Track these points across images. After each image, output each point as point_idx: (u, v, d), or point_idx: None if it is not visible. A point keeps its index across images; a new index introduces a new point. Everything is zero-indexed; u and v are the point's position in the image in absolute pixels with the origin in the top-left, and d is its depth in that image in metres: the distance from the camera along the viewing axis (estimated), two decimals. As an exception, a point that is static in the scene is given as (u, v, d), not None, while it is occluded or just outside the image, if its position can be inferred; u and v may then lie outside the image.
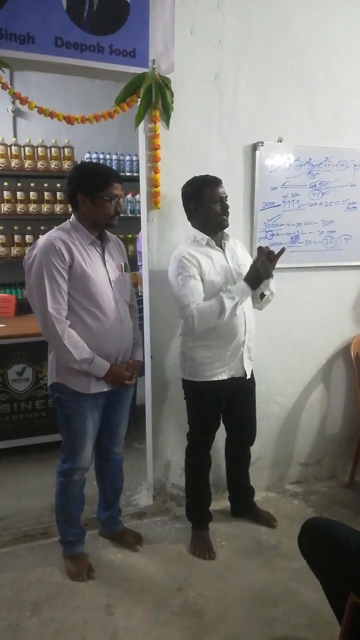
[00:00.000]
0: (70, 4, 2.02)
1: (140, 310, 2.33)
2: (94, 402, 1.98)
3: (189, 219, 2.16)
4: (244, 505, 2.53)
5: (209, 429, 2.27)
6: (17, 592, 2.00)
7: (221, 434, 2.38)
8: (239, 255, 2.18)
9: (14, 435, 3.04)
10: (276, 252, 2.00)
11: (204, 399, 2.19)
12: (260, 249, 2.01)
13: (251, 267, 2.02)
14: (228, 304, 1.97)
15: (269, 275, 2.01)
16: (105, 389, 1.98)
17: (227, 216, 2.10)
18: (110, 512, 2.31)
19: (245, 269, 2.09)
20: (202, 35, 2.28)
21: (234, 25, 2.33)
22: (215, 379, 2.13)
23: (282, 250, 2.02)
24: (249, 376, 2.22)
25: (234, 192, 2.33)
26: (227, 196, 2.09)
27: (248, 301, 2.13)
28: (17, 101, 2.12)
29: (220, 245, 2.15)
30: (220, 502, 2.58)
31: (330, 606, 1.52)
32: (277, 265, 2.04)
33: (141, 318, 2.31)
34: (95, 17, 2.06)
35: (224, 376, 2.14)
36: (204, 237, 2.10)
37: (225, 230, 2.15)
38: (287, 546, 2.27)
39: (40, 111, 2.07)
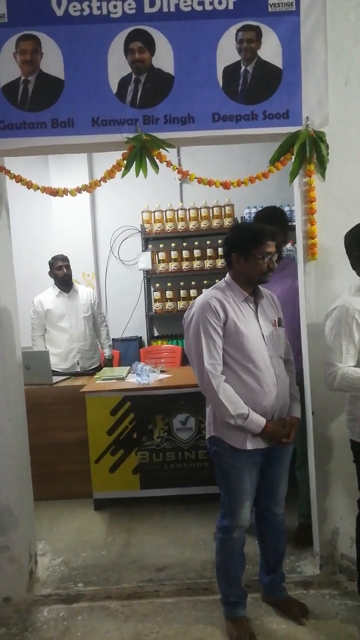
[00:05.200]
0: (225, 82, 2.20)
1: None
2: (251, 459, 1.96)
3: (353, 267, 2.06)
4: None
5: None
6: (179, 648, 2.02)
7: None
8: None
9: (179, 483, 3.15)
10: None
11: None
12: None
13: None
14: None
15: None
16: (263, 446, 1.95)
17: None
18: (273, 577, 2.20)
19: None
20: (357, 84, 2.25)
21: (391, 67, 2.25)
22: None
23: None
24: None
25: None
26: None
27: None
28: (181, 173, 2.34)
29: None
30: None
31: None
32: None
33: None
34: (250, 88, 2.20)
35: None
36: None
37: None
38: None
39: (200, 181, 2.25)
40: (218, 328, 1.91)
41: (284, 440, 1.96)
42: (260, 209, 4.74)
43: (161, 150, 2.20)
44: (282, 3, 2.17)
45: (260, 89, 2.20)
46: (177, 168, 2.26)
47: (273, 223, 2.32)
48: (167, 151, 2.22)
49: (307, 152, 2.18)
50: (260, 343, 1.95)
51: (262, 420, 1.90)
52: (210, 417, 2.03)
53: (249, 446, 1.93)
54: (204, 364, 1.90)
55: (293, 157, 2.22)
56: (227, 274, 2.06)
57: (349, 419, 2.05)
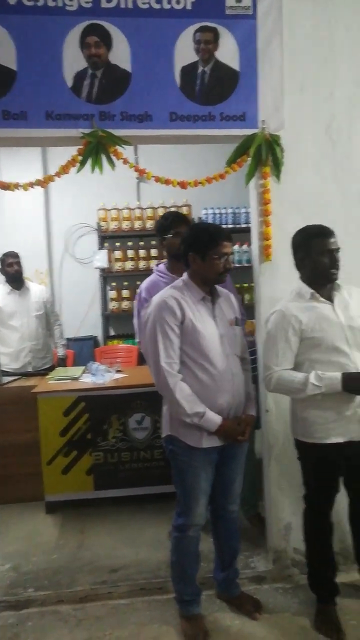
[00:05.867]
0: (183, 81, 2.21)
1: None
2: (207, 457, 1.97)
3: (297, 269, 2.09)
4: (375, 580, 2.26)
5: (326, 493, 2.08)
6: (133, 649, 2.00)
7: (343, 495, 2.18)
8: (354, 307, 2.01)
9: (134, 484, 3.12)
10: None
11: (319, 462, 2.02)
12: None
13: (356, 374, 1.88)
14: (310, 389, 1.88)
15: None
16: (218, 444, 1.97)
17: (337, 270, 1.98)
18: (227, 573, 2.22)
19: (358, 323, 1.96)
20: (311, 90, 2.32)
21: (343, 76, 2.33)
22: (329, 441, 1.96)
23: None
24: None
25: (352, 240, 2.23)
26: (338, 248, 1.98)
27: None
28: (138, 171, 2.33)
29: (329, 298, 2.02)
30: (350, 575, 2.33)
31: None
32: None
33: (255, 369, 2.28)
34: (207, 89, 2.22)
35: (339, 439, 1.96)
36: (308, 291, 1.99)
37: (338, 282, 2.03)
38: None
39: (157, 180, 2.25)
40: (175, 327, 1.91)
41: (239, 438, 1.98)
42: (217, 210, 4.85)
43: (117, 147, 2.18)
44: (239, 6, 2.20)
45: (217, 90, 2.22)
46: (134, 166, 2.25)
47: None
48: (124, 148, 2.20)
49: (262, 154, 2.22)
50: (217, 342, 1.96)
51: (217, 419, 1.92)
52: (167, 416, 2.03)
53: (205, 444, 1.94)
54: (160, 363, 1.90)
55: (249, 159, 2.25)
56: (185, 273, 2.06)
57: (292, 418, 2.10)
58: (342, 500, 2.14)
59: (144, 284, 2.67)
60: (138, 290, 2.67)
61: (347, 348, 1.94)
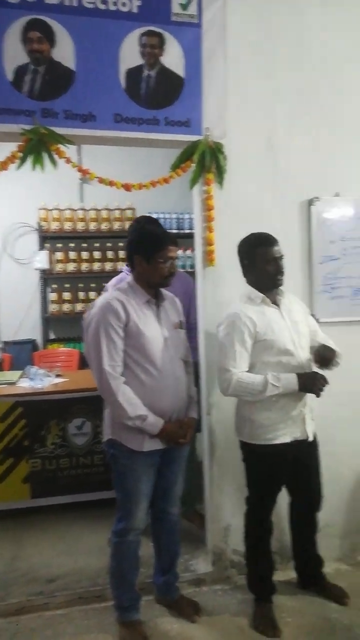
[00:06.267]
0: (128, 84, 2.20)
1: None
2: (148, 461, 1.96)
3: (244, 275, 2.16)
4: (311, 577, 2.34)
5: (270, 494, 2.15)
6: (70, 661, 1.95)
7: (283, 496, 2.25)
8: (295, 311, 2.13)
9: (73, 490, 3.05)
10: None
11: (266, 463, 2.08)
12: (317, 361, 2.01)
13: (310, 373, 2.00)
14: (270, 390, 1.94)
15: (319, 393, 1.98)
16: (160, 447, 1.96)
17: (282, 276, 2.07)
18: (167, 577, 2.22)
19: (300, 327, 2.06)
20: (253, 101, 2.39)
21: (284, 89, 2.42)
22: (278, 442, 2.03)
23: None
24: (311, 438, 2.11)
25: (290, 247, 2.32)
26: (282, 256, 2.06)
27: (306, 357, 2.07)
28: (81, 172, 2.29)
29: (276, 303, 2.10)
30: (286, 573, 2.40)
31: None
32: (339, 320, 2.16)
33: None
34: (152, 93, 2.23)
35: (286, 439, 2.04)
36: (258, 296, 2.07)
37: (282, 287, 2.12)
38: (361, 628, 2.05)
39: (101, 181, 2.23)
40: (119, 329, 1.89)
41: (181, 441, 1.98)
42: (161, 215, 4.85)
43: (60, 146, 2.14)
44: (185, 14, 2.23)
45: (162, 95, 2.24)
46: (76, 166, 2.21)
47: None
48: (67, 147, 2.16)
49: (206, 161, 2.26)
50: (161, 345, 1.96)
51: (160, 422, 1.91)
52: (108, 420, 2.00)
53: (147, 447, 1.93)
54: (103, 366, 1.87)
55: (193, 165, 2.28)
56: (130, 276, 2.04)
57: (238, 420, 2.14)
58: (279, 500, 2.20)
59: (113, 281, 2.59)
60: (104, 287, 2.57)
61: (294, 350, 2.03)
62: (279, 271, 2.05)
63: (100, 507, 2.97)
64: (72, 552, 2.67)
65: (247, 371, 2.01)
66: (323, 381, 1.97)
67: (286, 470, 2.12)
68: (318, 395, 1.98)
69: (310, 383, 1.97)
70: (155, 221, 2.15)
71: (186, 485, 2.27)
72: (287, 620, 2.14)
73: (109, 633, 2.08)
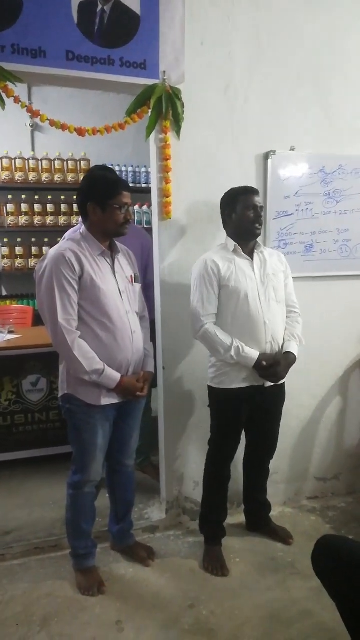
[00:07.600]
0: (81, 19, 2.05)
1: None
2: (104, 414, 1.96)
3: (224, 226, 2.19)
4: (259, 520, 2.47)
5: (230, 439, 2.24)
6: (27, 606, 1.99)
7: (241, 448, 2.34)
8: (271, 264, 2.17)
9: (28, 446, 3.04)
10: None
11: (226, 407, 2.18)
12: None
13: (270, 365, 2.07)
14: (227, 358, 2.06)
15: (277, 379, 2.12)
16: (116, 401, 1.97)
17: (260, 225, 2.11)
18: (122, 526, 2.28)
19: (274, 279, 2.13)
20: (212, 46, 2.29)
21: (244, 36, 2.33)
22: (236, 386, 2.12)
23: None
24: (266, 385, 2.17)
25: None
26: (262, 206, 2.11)
27: (273, 310, 2.11)
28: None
29: (251, 255, 2.14)
30: (235, 517, 2.53)
31: (346, 628, 1.46)
32: (292, 275, 2.22)
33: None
34: (106, 30, 2.08)
35: (244, 384, 2.12)
36: (232, 244, 2.12)
37: (259, 240, 2.17)
38: (304, 564, 2.20)
39: (52, 124, 2.09)
40: (73, 282, 1.83)
41: (137, 394, 1.99)
42: (117, 167, 4.69)
43: (8, 83, 1.98)
44: None
45: (117, 33, 2.10)
46: (26, 106, 2.07)
47: None
48: (16, 86, 2.01)
49: (163, 107, 2.16)
50: (117, 298, 1.92)
51: (116, 376, 1.90)
52: (64, 375, 1.97)
53: (104, 402, 1.93)
54: (57, 320, 1.81)
55: (150, 111, 2.18)
56: (82, 225, 1.97)
57: (209, 365, 2.21)
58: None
59: (67, 234, 2.42)
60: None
61: (258, 302, 2.08)
62: (257, 219, 2.09)
63: (56, 462, 2.99)
64: (27, 505, 2.69)
65: (220, 319, 2.09)
66: (279, 377, 2.12)
67: (245, 415, 2.21)
68: (271, 382, 2.12)
69: (265, 374, 2.09)
70: (108, 168, 2.06)
71: (141, 438, 2.31)
72: (235, 560, 2.27)
73: (66, 580, 2.13)
